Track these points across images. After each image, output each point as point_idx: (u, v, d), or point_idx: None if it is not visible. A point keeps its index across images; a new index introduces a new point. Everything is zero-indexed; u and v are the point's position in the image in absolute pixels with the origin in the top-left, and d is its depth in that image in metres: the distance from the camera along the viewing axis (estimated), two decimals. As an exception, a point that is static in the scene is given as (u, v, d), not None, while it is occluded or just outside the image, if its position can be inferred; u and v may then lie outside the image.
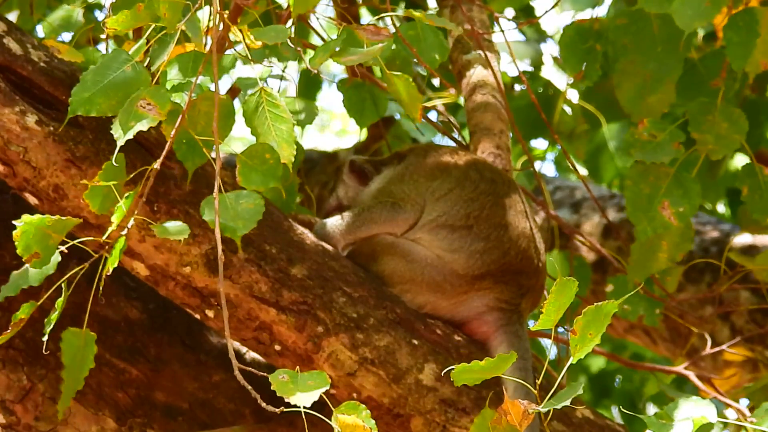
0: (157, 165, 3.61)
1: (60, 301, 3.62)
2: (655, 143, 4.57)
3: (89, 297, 3.73)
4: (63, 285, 3.62)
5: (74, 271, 3.65)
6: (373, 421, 3.27)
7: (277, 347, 3.96)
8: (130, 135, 3.54)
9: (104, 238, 3.60)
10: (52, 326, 3.63)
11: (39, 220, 3.56)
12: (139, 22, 3.68)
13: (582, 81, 5.03)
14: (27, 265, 3.64)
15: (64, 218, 3.59)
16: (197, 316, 3.98)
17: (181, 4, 3.64)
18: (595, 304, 3.22)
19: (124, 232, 3.56)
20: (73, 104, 3.65)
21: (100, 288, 3.61)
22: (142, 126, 3.55)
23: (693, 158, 4.63)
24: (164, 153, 3.62)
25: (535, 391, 3.34)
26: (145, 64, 3.76)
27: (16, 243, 3.57)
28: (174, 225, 3.61)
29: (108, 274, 3.57)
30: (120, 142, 3.55)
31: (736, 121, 4.61)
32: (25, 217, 3.56)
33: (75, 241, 3.62)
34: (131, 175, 3.67)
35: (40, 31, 5.36)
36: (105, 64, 3.68)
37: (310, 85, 6.82)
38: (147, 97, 3.58)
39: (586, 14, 7.01)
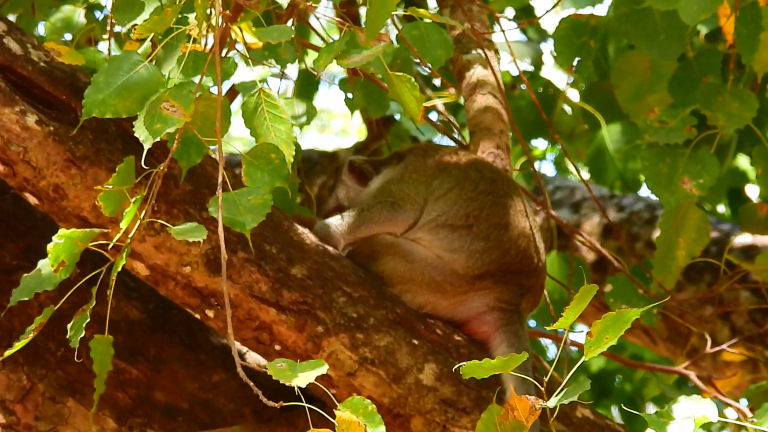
0: (164, 167, 3.60)
1: (48, 309, 3.64)
2: (668, 128, 4.60)
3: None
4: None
5: (92, 274, 3.65)
6: (380, 416, 3.24)
7: (277, 347, 3.96)
8: (157, 138, 3.53)
9: (114, 241, 3.59)
10: (39, 327, 3.65)
11: (73, 233, 3.56)
12: (165, 26, 3.67)
13: (581, 80, 5.03)
14: (38, 267, 3.63)
15: (90, 230, 3.60)
16: (197, 316, 3.98)
17: (207, 5, 3.62)
18: (617, 311, 3.25)
19: (131, 234, 3.56)
20: (87, 106, 3.64)
21: (110, 291, 3.61)
22: (169, 128, 3.53)
23: (707, 145, 4.68)
24: (170, 155, 3.61)
25: (542, 388, 3.33)
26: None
27: (48, 254, 3.57)
28: (189, 226, 3.59)
29: (113, 277, 3.57)
30: (147, 146, 3.54)
31: (746, 100, 4.65)
32: (62, 231, 3.56)
33: (91, 244, 3.60)
34: (139, 178, 3.66)
35: (42, 31, 5.36)
36: (116, 66, 3.66)
37: (307, 85, 6.82)
38: (170, 99, 3.56)
39: (586, 12, 7.00)
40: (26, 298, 3.63)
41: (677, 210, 4.74)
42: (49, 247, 3.56)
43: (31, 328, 3.63)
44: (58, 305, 3.68)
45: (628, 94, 5.08)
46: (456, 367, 3.72)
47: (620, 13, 4.78)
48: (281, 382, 3.28)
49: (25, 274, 3.66)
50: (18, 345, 3.62)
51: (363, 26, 3.70)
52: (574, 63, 4.95)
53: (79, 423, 4.17)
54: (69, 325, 3.62)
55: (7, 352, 3.68)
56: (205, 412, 4.22)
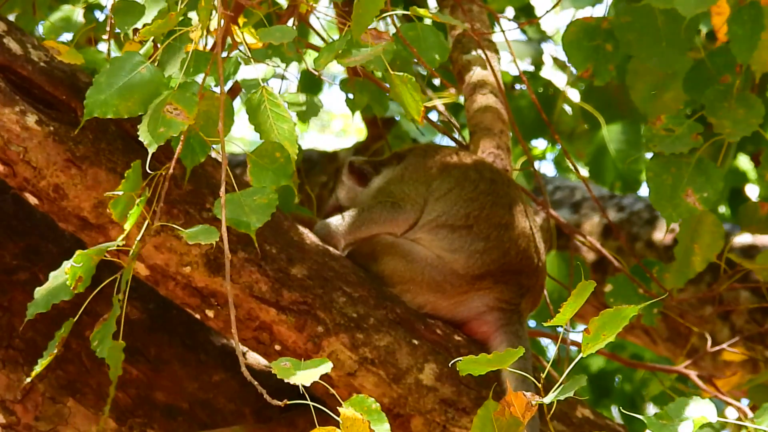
0: (169, 169, 3.60)
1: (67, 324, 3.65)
2: (674, 136, 4.57)
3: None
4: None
5: (107, 282, 3.65)
6: (383, 414, 3.23)
7: (278, 347, 3.96)
8: (161, 142, 3.53)
9: (116, 245, 3.59)
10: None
11: (89, 251, 3.57)
12: (169, 27, 3.67)
13: (589, 80, 5.00)
14: (51, 278, 3.63)
15: (105, 244, 3.60)
16: (197, 316, 3.98)
17: (210, 7, 3.62)
18: (615, 307, 3.25)
19: (137, 238, 3.56)
20: (88, 107, 3.64)
21: (125, 295, 3.61)
22: (173, 132, 3.53)
23: (711, 149, 4.65)
24: (176, 156, 3.61)
25: (540, 384, 3.34)
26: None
27: (66, 274, 3.57)
28: (201, 228, 3.59)
29: (126, 278, 3.57)
30: (151, 150, 3.54)
31: (752, 105, 4.61)
32: (79, 252, 3.56)
33: (101, 247, 3.60)
34: (145, 182, 3.66)
35: (42, 31, 5.37)
36: (118, 66, 3.66)
37: (310, 85, 6.82)
38: (173, 102, 3.56)
39: (587, 12, 7.01)
40: (43, 311, 3.63)
41: (692, 218, 4.71)
42: (66, 268, 3.56)
43: (54, 343, 3.63)
44: (77, 317, 3.69)
45: (643, 93, 5.05)
46: (453, 362, 3.73)
47: (623, 21, 4.75)
48: (284, 381, 3.28)
49: (38, 287, 3.66)
50: (43, 362, 3.62)
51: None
52: (589, 67, 4.92)
53: (79, 423, 4.17)
54: (92, 335, 3.63)
55: (33, 372, 3.68)
56: (205, 412, 4.22)
